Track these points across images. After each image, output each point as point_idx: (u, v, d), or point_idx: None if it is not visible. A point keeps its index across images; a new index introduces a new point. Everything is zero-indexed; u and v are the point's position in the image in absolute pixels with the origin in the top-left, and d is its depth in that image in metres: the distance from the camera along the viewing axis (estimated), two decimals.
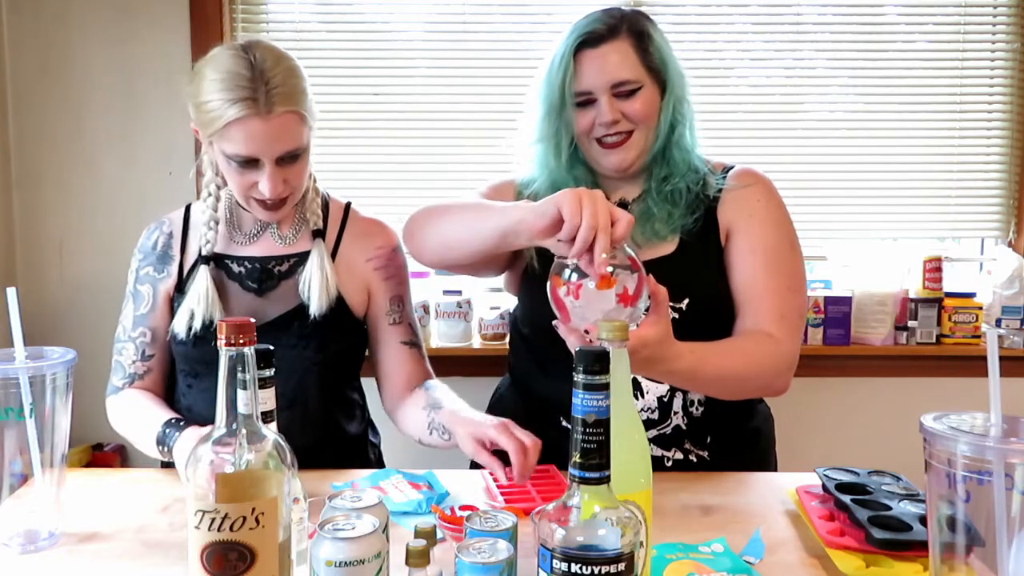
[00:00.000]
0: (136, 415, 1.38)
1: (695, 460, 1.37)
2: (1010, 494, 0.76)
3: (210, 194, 1.42)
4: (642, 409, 1.36)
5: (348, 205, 1.51)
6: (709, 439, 1.38)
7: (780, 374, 1.33)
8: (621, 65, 1.35)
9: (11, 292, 1.07)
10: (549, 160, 1.43)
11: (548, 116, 1.40)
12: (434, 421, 1.35)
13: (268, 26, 2.30)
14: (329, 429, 1.46)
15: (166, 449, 1.28)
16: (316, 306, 1.37)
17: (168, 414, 1.33)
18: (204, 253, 1.39)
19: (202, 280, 1.37)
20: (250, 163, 1.30)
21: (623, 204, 1.44)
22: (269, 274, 1.42)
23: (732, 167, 1.46)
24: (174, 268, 1.43)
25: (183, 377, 1.43)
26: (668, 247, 1.39)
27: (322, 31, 2.31)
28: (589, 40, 1.36)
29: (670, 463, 1.36)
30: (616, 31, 1.36)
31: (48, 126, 2.25)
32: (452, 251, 1.32)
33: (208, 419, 1.24)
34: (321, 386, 1.42)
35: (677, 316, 1.33)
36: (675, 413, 1.37)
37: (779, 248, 1.38)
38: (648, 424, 1.36)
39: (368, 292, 1.47)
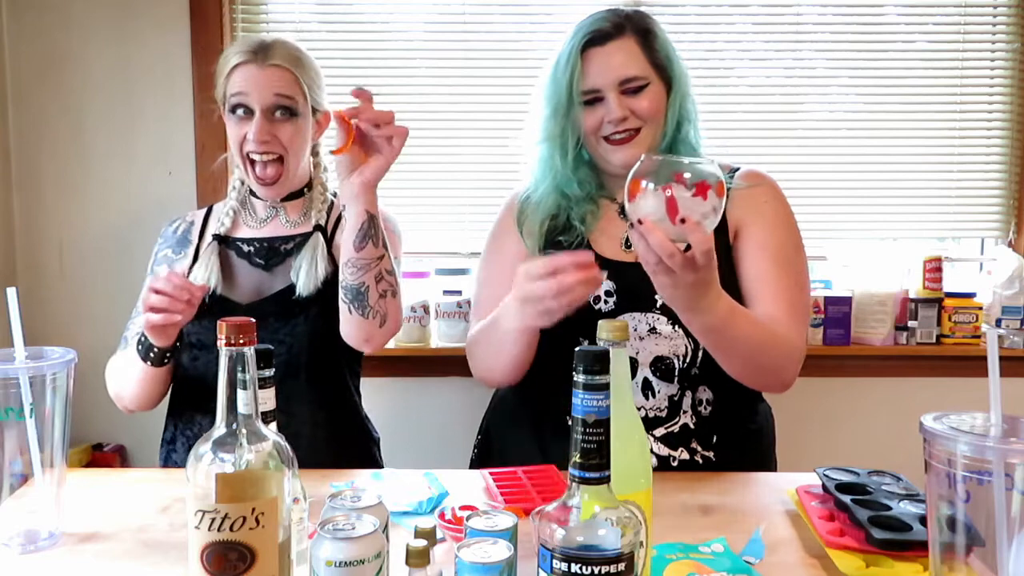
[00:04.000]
0: (121, 356, 1.51)
1: (700, 461, 1.38)
2: (1010, 494, 0.76)
3: (234, 188, 1.59)
4: (652, 408, 1.37)
5: None
6: (715, 439, 1.39)
7: (792, 363, 1.34)
8: (628, 62, 1.37)
9: (11, 292, 1.07)
10: (554, 160, 1.43)
11: (554, 116, 1.41)
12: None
13: (268, 26, 2.30)
14: (325, 400, 1.51)
15: (143, 339, 1.39)
16: (303, 285, 1.47)
17: None
18: (217, 232, 1.55)
19: (209, 250, 1.52)
20: (246, 112, 1.45)
21: None
22: (275, 251, 1.53)
23: (738, 168, 1.47)
24: (191, 250, 1.58)
25: (189, 352, 1.49)
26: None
27: (322, 31, 2.31)
28: (595, 39, 1.37)
29: (676, 463, 1.37)
30: (622, 29, 1.38)
31: (48, 126, 2.24)
32: (507, 365, 1.37)
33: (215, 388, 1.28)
34: (319, 354, 1.49)
35: None
36: (684, 412, 1.38)
37: (786, 247, 1.40)
38: (656, 422, 1.37)
39: None
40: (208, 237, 1.57)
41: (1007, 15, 2.30)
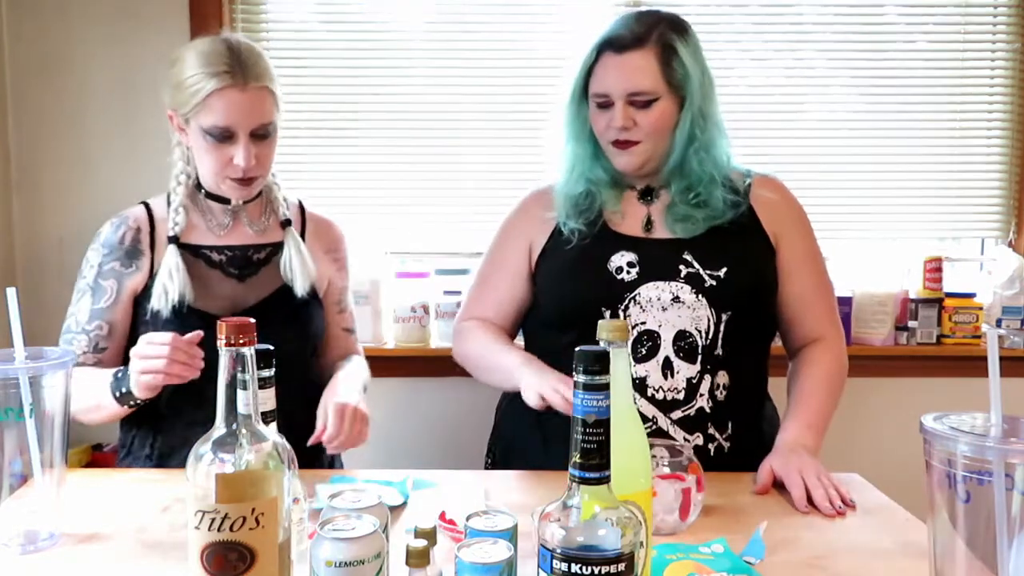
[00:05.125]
0: (80, 377, 1.35)
1: (712, 451, 1.38)
2: (1010, 494, 0.76)
3: (180, 183, 1.48)
4: (670, 389, 1.37)
5: (300, 202, 1.62)
6: (730, 425, 1.39)
7: (846, 364, 1.52)
8: (640, 76, 1.37)
9: (11, 292, 1.07)
10: (579, 153, 1.47)
11: (573, 112, 1.46)
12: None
13: (268, 26, 2.30)
14: (314, 405, 1.46)
15: (116, 381, 1.31)
16: (300, 285, 1.47)
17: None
18: (173, 234, 1.44)
19: (171, 257, 1.42)
20: (226, 137, 1.38)
21: (649, 190, 1.48)
22: (248, 261, 1.49)
23: (750, 171, 1.52)
24: (144, 263, 1.46)
25: None
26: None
27: (322, 31, 2.31)
28: (614, 44, 1.38)
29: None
30: (643, 40, 1.37)
31: (48, 126, 2.24)
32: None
33: (194, 403, 1.26)
34: (305, 365, 1.49)
35: (715, 283, 1.38)
36: (701, 395, 1.38)
37: (814, 250, 1.50)
38: (673, 405, 1.37)
39: (327, 280, 1.59)
40: (159, 244, 1.46)
41: (1007, 15, 2.30)
